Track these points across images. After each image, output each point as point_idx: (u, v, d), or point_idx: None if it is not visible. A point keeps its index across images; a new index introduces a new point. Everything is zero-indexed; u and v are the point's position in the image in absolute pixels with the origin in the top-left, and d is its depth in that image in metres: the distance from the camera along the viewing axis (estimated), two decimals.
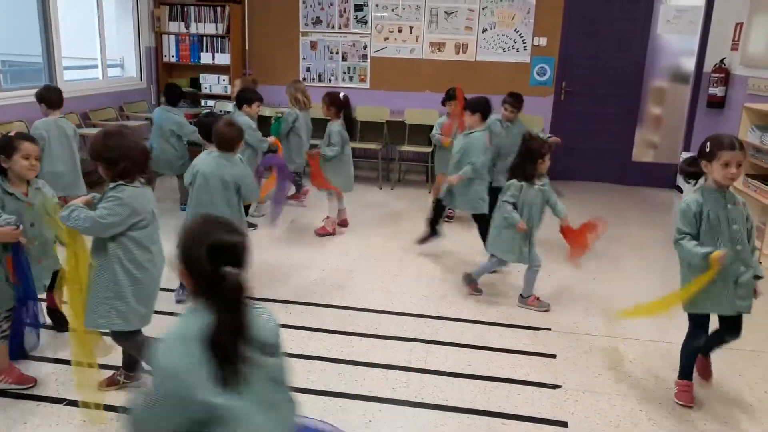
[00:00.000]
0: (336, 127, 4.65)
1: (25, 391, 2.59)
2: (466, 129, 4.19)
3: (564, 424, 2.51)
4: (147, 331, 2.49)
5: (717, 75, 6.08)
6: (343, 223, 4.99)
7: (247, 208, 4.46)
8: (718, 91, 6.08)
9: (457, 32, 6.78)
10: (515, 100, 4.79)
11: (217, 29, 6.85)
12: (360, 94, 6.89)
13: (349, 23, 6.93)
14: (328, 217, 4.84)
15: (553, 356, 3.06)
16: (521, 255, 3.53)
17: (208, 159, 3.34)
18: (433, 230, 4.44)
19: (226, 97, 6.92)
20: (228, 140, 3.34)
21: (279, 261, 4.21)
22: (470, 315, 3.49)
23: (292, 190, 5.68)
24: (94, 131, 4.73)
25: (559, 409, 2.62)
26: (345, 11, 6.90)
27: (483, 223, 4.16)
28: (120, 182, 2.32)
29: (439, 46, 6.84)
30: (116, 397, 2.52)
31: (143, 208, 2.36)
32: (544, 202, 3.51)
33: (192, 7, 6.85)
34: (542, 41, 6.66)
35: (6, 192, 2.57)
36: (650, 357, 3.09)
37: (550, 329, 3.35)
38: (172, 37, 6.95)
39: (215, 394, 1.28)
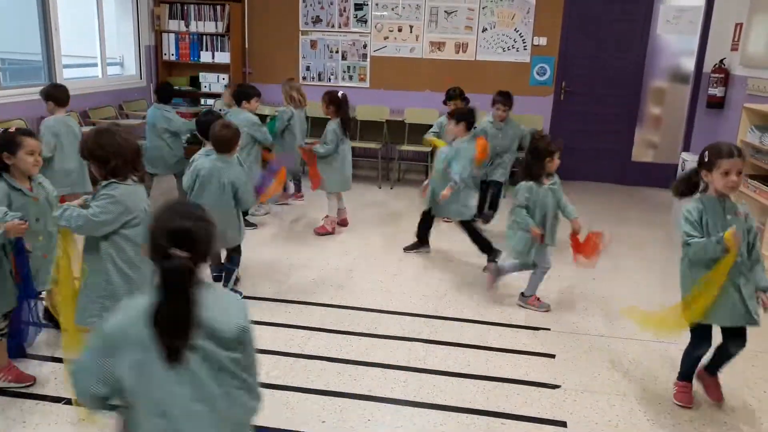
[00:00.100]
0: (332, 125, 4.65)
1: (24, 390, 2.59)
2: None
3: (563, 424, 2.51)
4: None
5: (717, 75, 6.08)
6: (343, 223, 4.99)
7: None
8: (717, 91, 6.08)
9: (457, 32, 6.78)
10: (506, 99, 4.80)
11: (217, 28, 6.85)
12: (360, 94, 6.89)
13: (349, 22, 6.93)
14: (327, 216, 4.84)
15: (553, 356, 3.06)
16: (528, 258, 3.50)
17: (206, 162, 3.35)
18: (422, 241, 4.44)
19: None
20: (225, 141, 3.36)
21: (279, 260, 4.21)
22: (470, 315, 3.49)
23: (292, 189, 5.69)
24: None
25: (558, 409, 2.62)
26: (345, 10, 6.90)
27: (470, 229, 4.18)
28: (112, 180, 2.32)
29: (439, 45, 6.84)
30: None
31: (136, 206, 2.35)
32: (557, 201, 3.50)
33: (192, 6, 6.84)
34: (542, 41, 6.66)
35: (13, 188, 2.55)
36: (649, 357, 3.09)
37: (549, 329, 3.35)
38: (172, 36, 6.94)
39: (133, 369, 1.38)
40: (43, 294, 2.87)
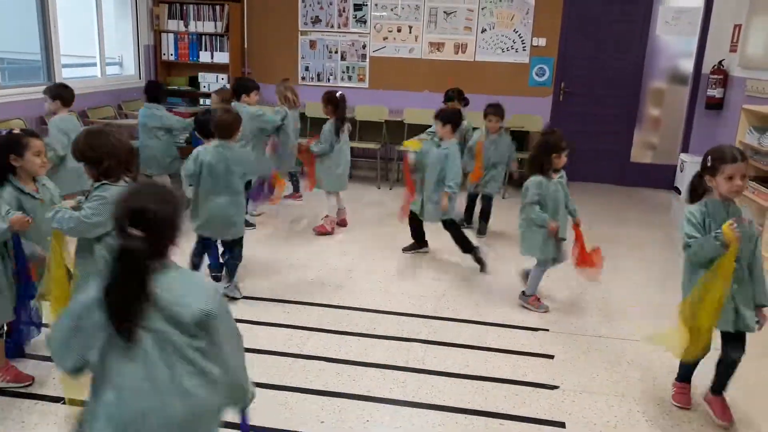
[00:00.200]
0: (328, 125, 4.69)
1: (22, 390, 2.59)
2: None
3: (561, 425, 2.51)
4: None
5: (715, 76, 6.09)
6: (342, 223, 4.99)
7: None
8: (716, 92, 6.10)
9: (456, 32, 6.78)
10: (498, 110, 4.79)
11: (216, 28, 6.85)
12: (359, 94, 6.89)
13: (348, 23, 6.93)
14: (327, 216, 4.84)
15: (551, 357, 3.07)
16: (548, 253, 3.51)
17: (209, 149, 3.38)
18: (419, 242, 4.44)
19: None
20: (227, 126, 3.39)
21: (277, 260, 4.21)
22: (468, 315, 3.49)
23: (290, 189, 5.69)
24: None
25: (557, 409, 2.62)
26: (344, 11, 6.90)
27: (453, 228, 4.20)
28: (104, 181, 2.30)
29: (438, 46, 6.85)
30: None
31: None
32: (565, 194, 3.50)
33: (191, 6, 6.84)
34: (541, 42, 6.66)
35: (22, 192, 2.54)
36: (648, 358, 3.09)
37: (548, 330, 3.36)
38: (171, 36, 6.94)
39: (88, 348, 1.43)
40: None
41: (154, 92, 5.22)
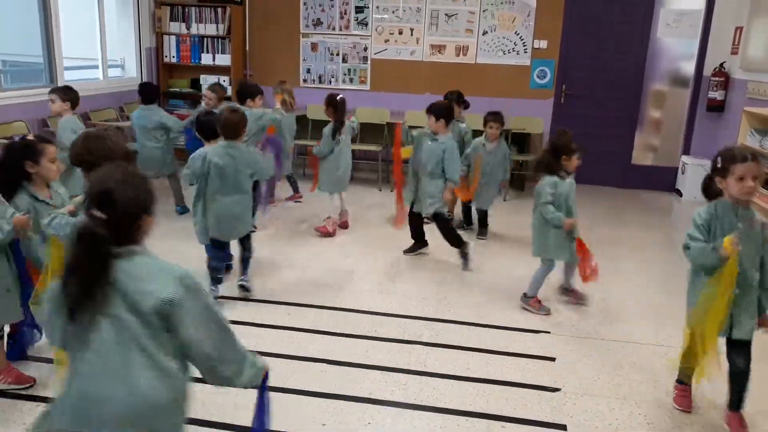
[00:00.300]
0: (328, 128, 4.75)
1: (23, 392, 2.59)
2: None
3: (563, 428, 2.51)
4: None
5: (717, 79, 6.10)
6: (344, 225, 5.00)
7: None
8: (717, 94, 6.10)
9: (457, 34, 6.79)
10: (498, 117, 4.80)
11: (217, 30, 6.86)
12: (360, 96, 6.90)
13: (349, 25, 6.94)
14: (329, 217, 4.85)
15: (553, 359, 3.06)
16: (572, 253, 3.53)
17: (217, 150, 3.40)
18: (419, 242, 4.45)
19: (227, 98, 6.91)
20: (233, 126, 3.42)
21: (279, 262, 4.21)
22: (470, 318, 3.49)
23: (290, 192, 5.70)
24: None
25: (558, 412, 2.62)
26: (346, 13, 6.91)
27: (443, 222, 4.25)
28: None
29: (439, 48, 6.85)
30: None
31: None
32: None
33: (193, 8, 6.86)
34: (542, 44, 6.67)
35: (37, 199, 2.54)
36: (649, 361, 3.09)
37: (549, 332, 3.36)
38: (173, 38, 6.96)
39: (56, 336, 1.46)
40: None
41: (150, 94, 5.22)
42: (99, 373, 1.41)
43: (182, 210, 5.14)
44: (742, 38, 5.85)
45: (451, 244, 4.25)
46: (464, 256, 4.23)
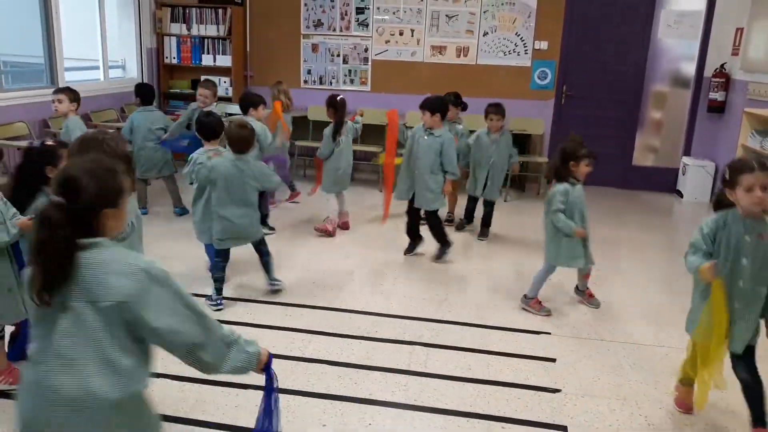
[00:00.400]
0: (328, 129, 4.78)
1: None
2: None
3: (564, 429, 2.51)
4: None
5: (717, 80, 6.10)
6: (345, 226, 5.00)
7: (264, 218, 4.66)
8: (718, 95, 6.10)
9: (458, 35, 6.79)
10: (498, 109, 4.80)
11: (218, 31, 6.87)
12: (361, 97, 6.90)
13: (350, 26, 6.95)
14: (328, 217, 4.87)
15: (553, 360, 3.06)
16: (588, 257, 3.54)
17: (226, 163, 3.41)
18: (415, 239, 4.47)
19: (228, 99, 6.93)
20: (243, 141, 3.44)
21: (279, 263, 4.19)
22: (470, 318, 3.49)
23: (287, 193, 5.71)
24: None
25: (559, 413, 2.62)
26: (346, 14, 6.92)
27: (435, 219, 4.31)
28: None
29: (440, 49, 6.86)
30: None
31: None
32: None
33: (193, 9, 6.87)
34: (543, 45, 6.67)
35: None
36: (650, 362, 3.08)
37: (550, 333, 3.35)
38: (174, 39, 6.97)
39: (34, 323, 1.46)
40: None
41: (150, 95, 5.22)
42: (52, 362, 1.41)
43: (181, 211, 5.14)
44: (742, 39, 5.85)
45: (437, 241, 4.35)
46: (442, 253, 4.33)
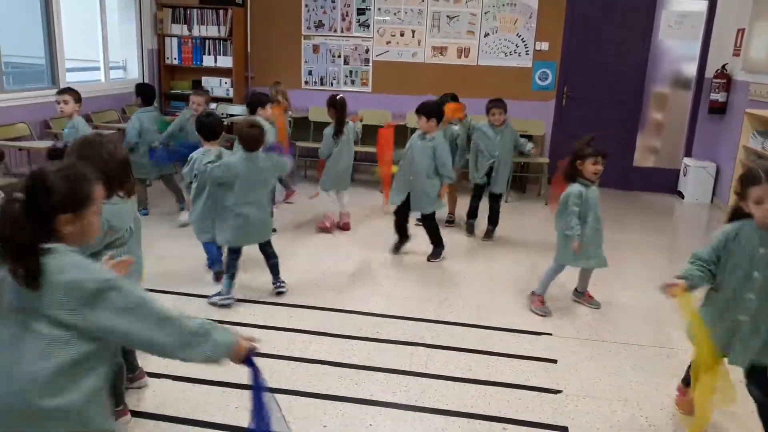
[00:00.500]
0: (328, 129, 4.81)
1: None
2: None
3: (565, 430, 2.50)
4: None
5: (718, 81, 6.09)
6: (345, 227, 5.00)
7: None
8: (719, 96, 6.10)
9: (459, 36, 6.79)
10: (499, 103, 4.81)
11: (219, 32, 6.87)
12: (362, 98, 6.90)
13: (351, 27, 6.95)
14: (327, 215, 4.93)
15: (554, 361, 3.06)
16: (599, 258, 3.55)
17: (240, 162, 3.44)
18: (403, 236, 4.49)
19: (228, 100, 6.94)
20: (254, 139, 3.48)
21: (280, 264, 4.20)
22: (471, 319, 3.48)
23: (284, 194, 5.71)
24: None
25: (560, 414, 2.61)
26: (347, 15, 6.92)
27: (431, 221, 4.33)
28: None
29: (441, 50, 6.86)
30: None
31: (121, 225, 2.22)
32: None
33: (194, 10, 6.87)
34: (544, 46, 6.67)
35: None
36: (651, 362, 3.08)
37: (551, 334, 3.35)
38: (175, 40, 6.97)
39: None
40: None
41: (152, 95, 5.21)
42: (2, 366, 1.41)
43: (184, 206, 5.13)
44: (744, 40, 5.84)
45: (432, 242, 4.37)
46: (437, 254, 4.36)
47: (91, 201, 1.52)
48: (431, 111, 4.19)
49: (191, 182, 3.65)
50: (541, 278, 3.64)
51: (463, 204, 5.24)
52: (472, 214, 5.06)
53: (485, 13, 6.69)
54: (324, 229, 4.84)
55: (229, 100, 6.92)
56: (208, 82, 6.99)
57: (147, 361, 2.67)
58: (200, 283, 3.79)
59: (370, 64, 7.01)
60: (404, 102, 6.91)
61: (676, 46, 6.61)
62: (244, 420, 2.42)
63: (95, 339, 1.44)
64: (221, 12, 6.82)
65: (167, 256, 4.18)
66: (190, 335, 1.52)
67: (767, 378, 2.28)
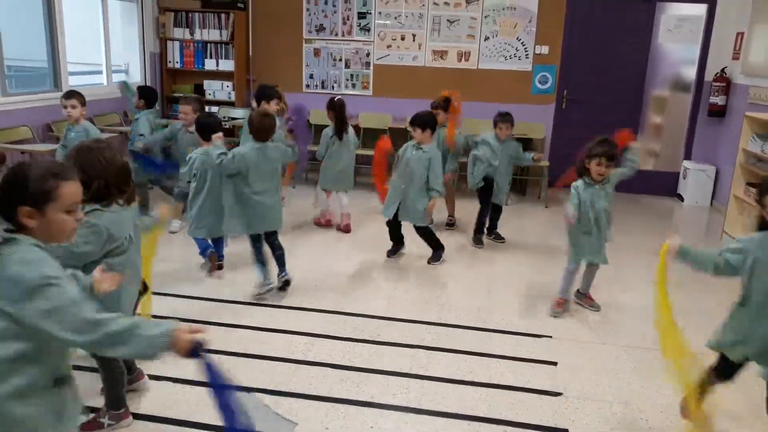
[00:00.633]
0: (327, 130, 4.88)
1: None
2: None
3: None
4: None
5: (718, 84, 6.11)
6: (346, 228, 5.02)
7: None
8: (719, 100, 6.11)
9: (459, 40, 6.82)
10: (507, 118, 4.81)
11: (221, 36, 6.90)
12: (362, 101, 6.93)
13: (352, 31, 6.97)
14: (323, 212, 5.06)
15: (555, 364, 3.07)
16: (602, 255, 3.58)
17: (252, 151, 3.50)
18: (398, 243, 4.52)
19: (230, 103, 6.96)
20: (266, 129, 3.56)
21: None
22: (472, 322, 3.50)
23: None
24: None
25: (561, 416, 2.62)
26: (348, 19, 6.94)
27: (423, 229, 4.34)
28: (96, 206, 2.12)
29: (441, 53, 6.88)
30: None
31: (121, 233, 2.19)
32: (609, 202, 3.52)
33: (196, 14, 6.90)
34: (544, 50, 6.69)
35: None
36: (652, 364, 3.09)
37: (551, 336, 3.36)
38: (177, 44, 6.99)
39: None
40: None
41: (153, 97, 5.19)
42: None
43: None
44: (743, 43, 5.86)
45: (430, 247, 4.41)
46: (436, 256, 4.40)
47: (52, 198, 1.51)
48: (425, 122, 4.21)
49: (190, 182, 3.71)
50: (561, 281, 3.68)
51: (462, 205, 5.25)
52: (479, 229, 4.97)
53: (485, 17, 6.72)
54: (319, 224, 4.94)
55: (230, 104, 6.94)
56: (210, 85, 7.01)
57: (147, 364, 2.68)
58: (197, 283, 3.82)
59: (371, 67, 7.03)
60: (405, 105, 6.93)
61: (676, 50, 6.63)
62: None
63: (31, 336, 1.45)
64: (223, 16, 6.84)
65: (165, 258, 4.19)
66: (116, 335, 1.49)
67: None
